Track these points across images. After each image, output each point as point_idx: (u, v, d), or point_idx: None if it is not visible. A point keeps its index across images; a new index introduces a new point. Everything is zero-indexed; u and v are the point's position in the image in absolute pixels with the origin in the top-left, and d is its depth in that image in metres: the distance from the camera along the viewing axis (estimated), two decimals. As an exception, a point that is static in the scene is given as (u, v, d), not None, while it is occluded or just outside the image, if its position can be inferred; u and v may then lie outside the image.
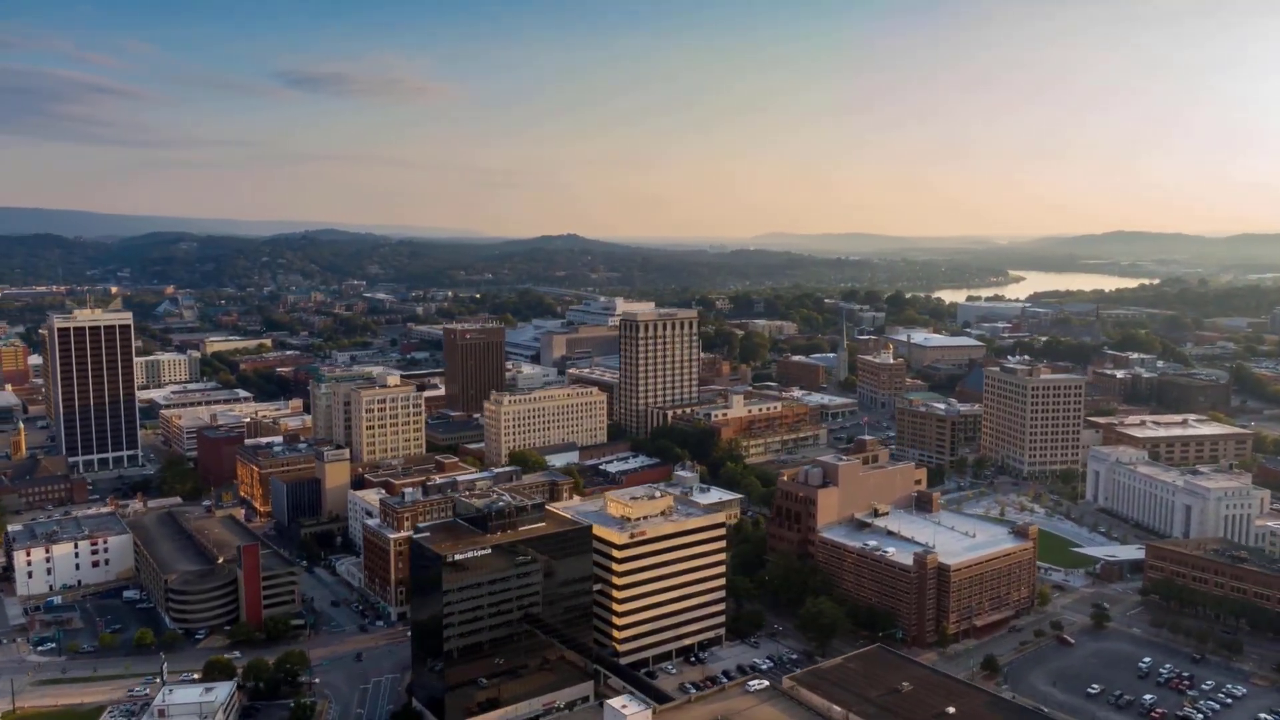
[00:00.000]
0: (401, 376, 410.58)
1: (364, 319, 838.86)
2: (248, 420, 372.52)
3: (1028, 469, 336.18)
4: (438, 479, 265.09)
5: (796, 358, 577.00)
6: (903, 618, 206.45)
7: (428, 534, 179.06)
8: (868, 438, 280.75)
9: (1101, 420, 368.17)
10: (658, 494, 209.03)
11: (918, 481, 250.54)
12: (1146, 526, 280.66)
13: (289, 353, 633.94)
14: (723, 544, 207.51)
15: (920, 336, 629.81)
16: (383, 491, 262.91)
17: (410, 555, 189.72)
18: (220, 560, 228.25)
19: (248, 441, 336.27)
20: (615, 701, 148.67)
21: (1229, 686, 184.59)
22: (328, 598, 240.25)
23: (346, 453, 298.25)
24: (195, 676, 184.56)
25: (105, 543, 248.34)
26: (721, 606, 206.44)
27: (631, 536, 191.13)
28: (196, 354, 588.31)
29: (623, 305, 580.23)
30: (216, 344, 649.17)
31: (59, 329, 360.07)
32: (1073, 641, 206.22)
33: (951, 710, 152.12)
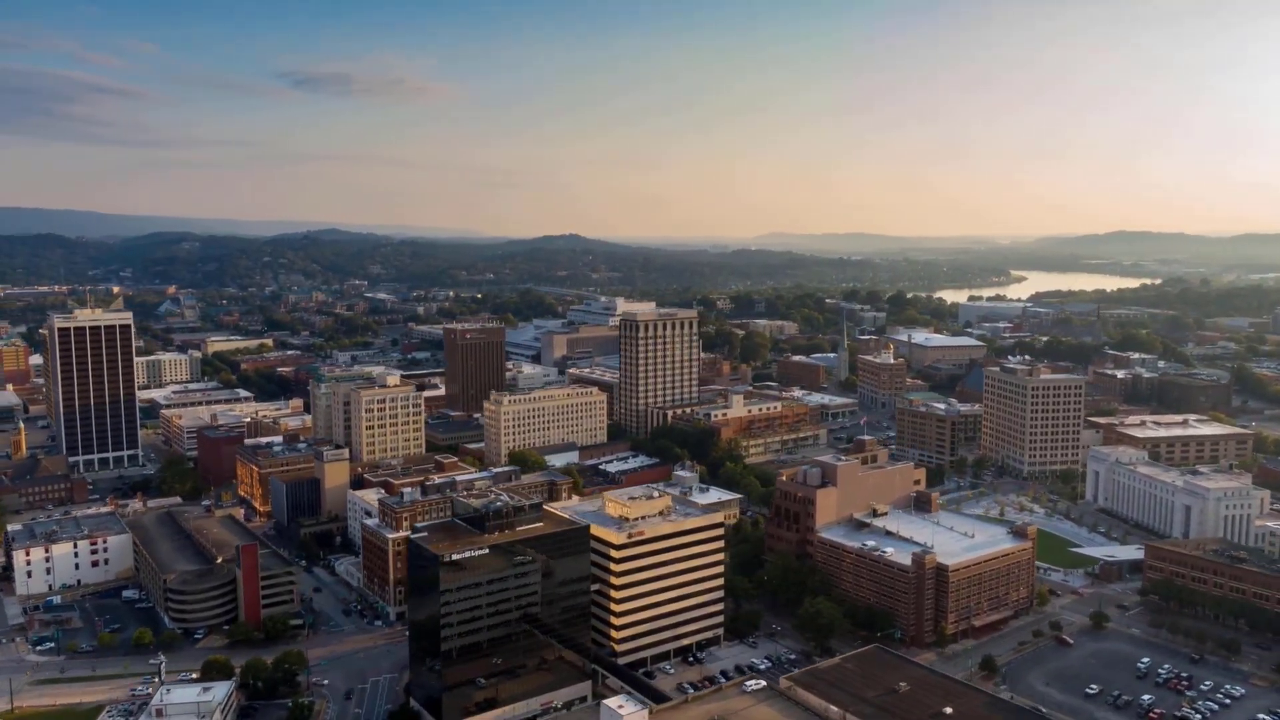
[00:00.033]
0: (402, 376, 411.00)
1: (365, 319, 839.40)
2: (248, 420, 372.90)
3: (1028, 469, 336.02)
4: (437, 479, 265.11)
5: (797, 358, 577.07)
6: (901, 618, 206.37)
7: (425, 534, 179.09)
8: (867, 438, 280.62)
9: (1102, 420, 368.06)
10: (656, 494, 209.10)
11: (917, 482, 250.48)
12: (1146, 527, 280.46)
13: (290, 352, 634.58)
14: (721, 544, 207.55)
15: (921, 336, 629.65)
16: (382, 491, 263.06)
17: (408, 555, 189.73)
18: (219, 560, 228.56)
19: (248, 441, 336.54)
20: (612, 701, 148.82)
21: (1228, 687, 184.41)
22: (327, 597, 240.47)
23: (346, 452, 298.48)
24: (193, 676, 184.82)
25: (104, 542, 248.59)
26: (720, 606, 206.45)
27: (629, 536, 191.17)
28: (198, 354, 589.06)
29: (623, 305, 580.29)
30: (218, 344, 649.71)
31: (59, 329, 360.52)
32: (1071, 642, 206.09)
33: (949, 710, 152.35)
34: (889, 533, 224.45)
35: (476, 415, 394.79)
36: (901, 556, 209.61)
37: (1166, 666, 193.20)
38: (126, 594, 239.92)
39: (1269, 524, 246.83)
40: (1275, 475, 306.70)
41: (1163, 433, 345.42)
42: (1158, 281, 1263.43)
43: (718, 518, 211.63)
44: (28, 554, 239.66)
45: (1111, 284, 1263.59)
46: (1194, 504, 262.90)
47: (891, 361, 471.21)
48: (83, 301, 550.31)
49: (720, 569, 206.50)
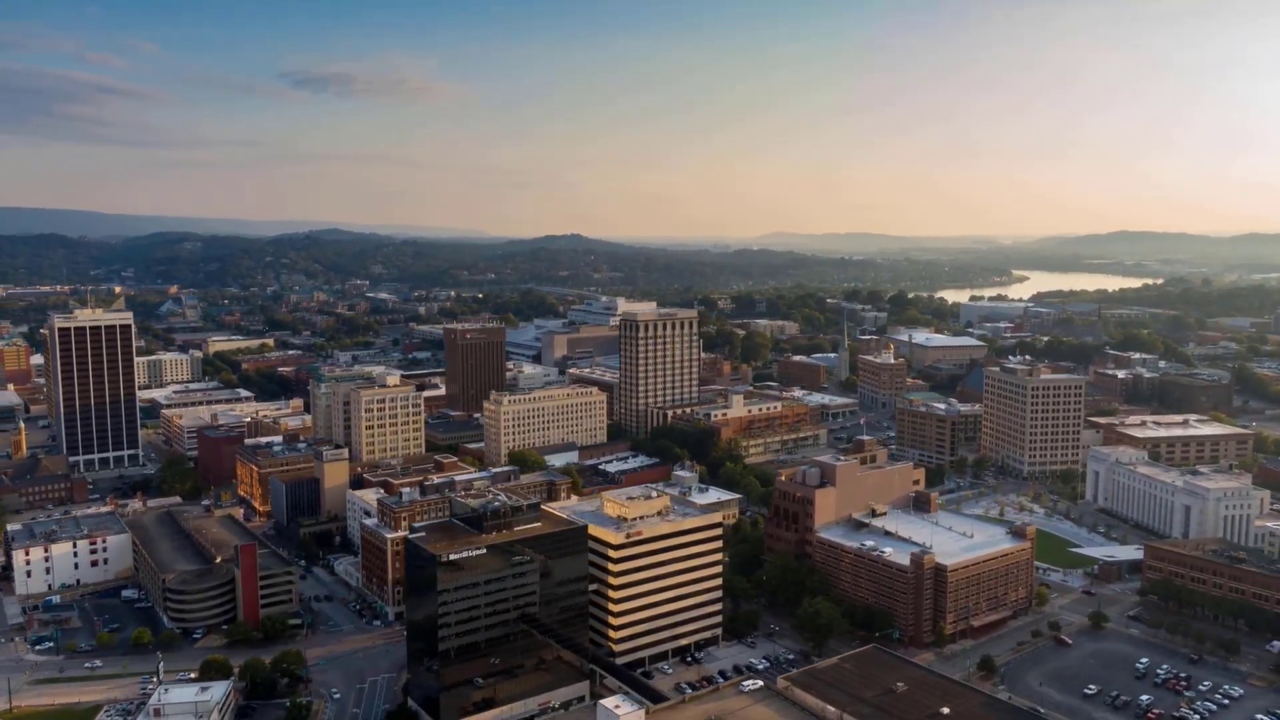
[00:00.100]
0: (402, 376, 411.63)
1: (366, 319, 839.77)
2: (248, 420, 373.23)
3: (1028, 469, 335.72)
4: (436, 479, 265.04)
5: (798, 358, 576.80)
6: (900, 618, 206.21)
7: (423, 534, 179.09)
8: (866, 438, 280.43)
9: (1102, 420, 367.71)
10: (654, 494, 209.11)
11: (916, 482, 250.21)
12: (1146, 527, 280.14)
13: (291, 352, 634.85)
14: (719, 544, 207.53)
15: (922, 336, 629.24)
16: (381, 491, 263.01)
17: (405, 555, 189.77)
18: (218, 560, 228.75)
19: (248, 441, 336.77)
20: (608, 701, 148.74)
21: (1226, 687, 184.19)
22: (326, 597, 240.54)
23: (345, 452, 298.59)
24: (192, 676, 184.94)
25: (104, 542, 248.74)
26: (718, 607, 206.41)
27: (627, 536, 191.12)
28: (199, 354, 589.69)
29: (624, 305, 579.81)
30: (219, 344, 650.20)
31: (60, 329, 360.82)
32: (1070, 642, 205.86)
33: (946, 711, 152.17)
34: (888, 533, 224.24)
35: (476, 415, 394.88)
36: (900, 557, 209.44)
37: (1165, 667, 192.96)
38: (126, 594, 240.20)
39: (1269, 524, 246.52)
40: (1275, 475, 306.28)
41: (1163, 433, 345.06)
42: (1159, 281, 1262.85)
43: (716, 518, 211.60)
44: (27, 554, 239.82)
45: (1113, 284, 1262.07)
46: (1194, 504, 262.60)
47: (892, 361, 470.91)
48: (84, 301, 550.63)
49: (718, 569, 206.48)
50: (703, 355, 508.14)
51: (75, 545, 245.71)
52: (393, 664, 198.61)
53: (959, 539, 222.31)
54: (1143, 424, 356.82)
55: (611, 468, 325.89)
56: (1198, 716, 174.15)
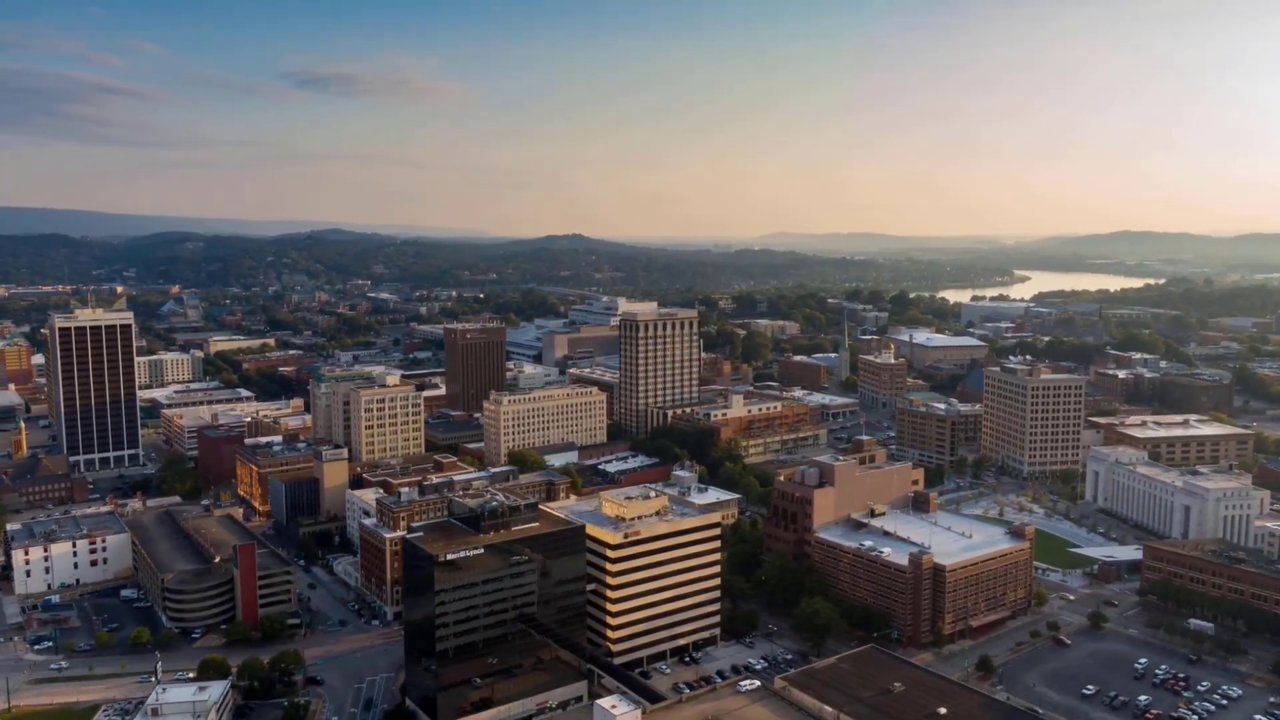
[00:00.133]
0: (403, 376, 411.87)
1: (367, 319, 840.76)
2: (249, 420, 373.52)
3: (1028, 469, 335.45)
4: (435, 479, 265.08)
5: (798, 358, 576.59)
6: (898, 618, 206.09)
7: (421, 534, 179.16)
8: (865, 438, 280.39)
9: (1102, 420, 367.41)
10: (653, 494, 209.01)
11: (915, 482, 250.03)
12: (1146, 527, 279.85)
13: (292, 352, 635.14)
14: (717, 544, 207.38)
15: (922, 336, 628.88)
16: (380, 491, 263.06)
17: (403, 555, 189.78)
18: (217, 559, 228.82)
19: (247, 441, 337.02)
20: (605, 701, 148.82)
21: (1225, 688, 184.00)
22: (325, 597, 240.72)
23: (345, 452, 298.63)
24: (190, 675, 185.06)
25: (103, 542, 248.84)
26: (716, 607, 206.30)
27: (625, 536, 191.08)
28: (200, 353, 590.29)
29: (625, 305, 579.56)
30: (220, 343, 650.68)
31: (60, 328, 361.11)
32: (1069, 642, 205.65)
33: (943, 711, 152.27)
34: (886, 533, 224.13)
35: (477, 415, 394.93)
36: (899, 557, 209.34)
37: (1164, 667, 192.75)
38: (125, 593, 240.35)
39: (1268, 524, 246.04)
40: (1276, 475, 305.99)
41: (1163, 433, 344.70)
42: (1161, 281, 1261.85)
43: (714, 518, 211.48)
44: (27, 553, 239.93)
45: (1115, 284, 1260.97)
46: (1193, 504, 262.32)
47: (892, 361, 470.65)
48: (85, 301, 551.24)
49: (716, 569, 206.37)
50: (703, 355, 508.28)
51: (75, 545, 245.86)
52: (391, 664, 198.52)
53: (958, 539, 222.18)
54: (1143, 424, 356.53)
55: (611, 468, 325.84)
56: (1196, 717, 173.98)
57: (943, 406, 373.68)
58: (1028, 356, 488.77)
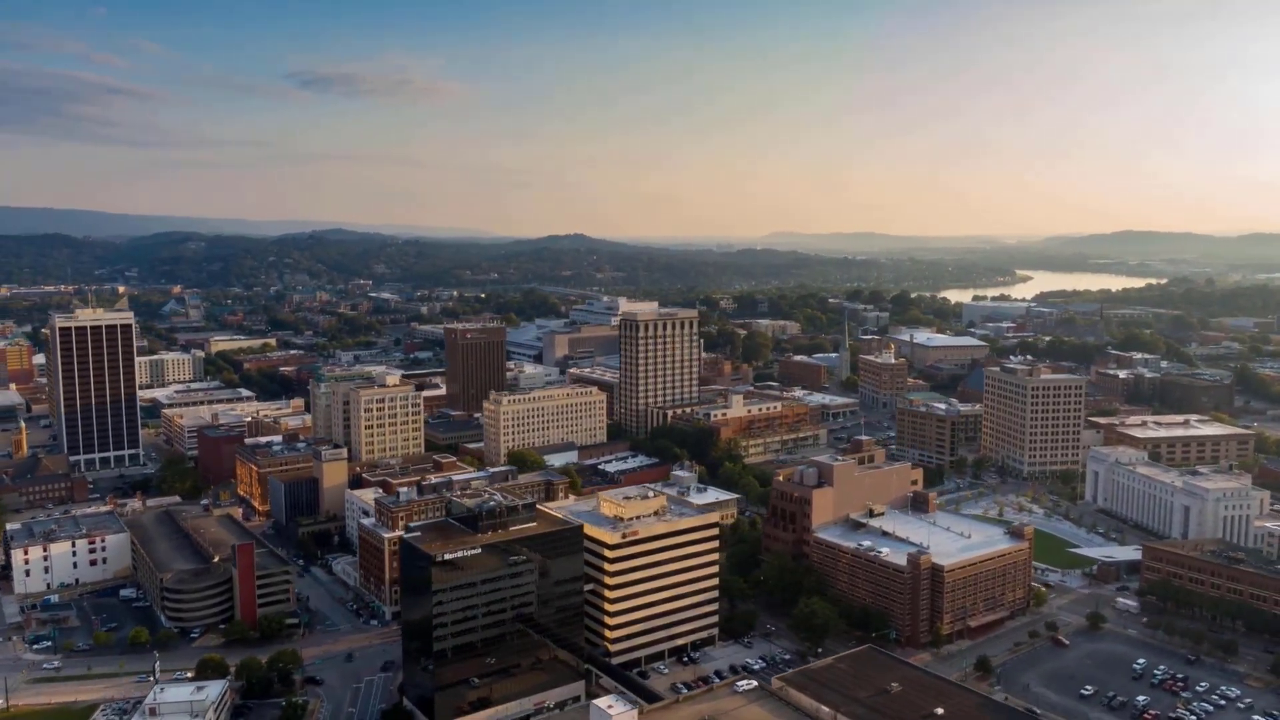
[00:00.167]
0: (403, 376, 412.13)
1: (368, 318, 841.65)
2: (249, 420, 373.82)
3: (1028, 469, 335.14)
4: (434, 479, 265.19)
5: (799, 357, 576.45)
6: (896, 618, 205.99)
7: (418, 534, 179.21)
8: (864, 438, 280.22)
9: (1103, 420, 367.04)
10: (651, 494, 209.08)
11: (914, 482, 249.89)
12: (1145, 527, 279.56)
13: (293, 352, 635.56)
14: (715, 544, 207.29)
15: (923, 336, 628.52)
16: (379, 491, 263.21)
17: (401, 555, 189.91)
18: (216, 559, 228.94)
19: (247, 441, 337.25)
20: (601, 701, 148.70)
21: (1223, 688, 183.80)
22: (324, 597, 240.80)
23: (344, 452, 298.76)
24: (188, 675, 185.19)
25: (103, 541, 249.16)
26: (714, 607, 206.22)
27: (623, 536, 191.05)
28: (201, 353, 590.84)
29: (626, 305, 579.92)
30: (221, 343, 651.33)
31: (60, 328, 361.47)
32: (1067, 643, 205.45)
33: (940, 711, 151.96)
34: (885, 533, 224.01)
35: (477, 415, 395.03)
36: (897, 557, 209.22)
37: (1162, 667, 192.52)
38: (124, 593, 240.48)
39: (1268, 525, 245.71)
40: (1276, 476, 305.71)
41: (1163, 433, 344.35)
42: (1163, 281, 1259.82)
43: (713, 518, 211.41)
44: (26, 553, 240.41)
45: (1117, 284, 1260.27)
46: (1193, 504, 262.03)
47: (893, 361, 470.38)
48: (87, 301, 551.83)
49: (715, 569, 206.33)
50: (704, 355, 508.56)
51: (74, 544, 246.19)
52: (389, 664, 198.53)
53: (956, 539, 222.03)
54: (1143, 424, 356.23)
55: (611, 467, 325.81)
56: (1194, 717, 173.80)
57: (943, 406, 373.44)
58: (1028, 356, 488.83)
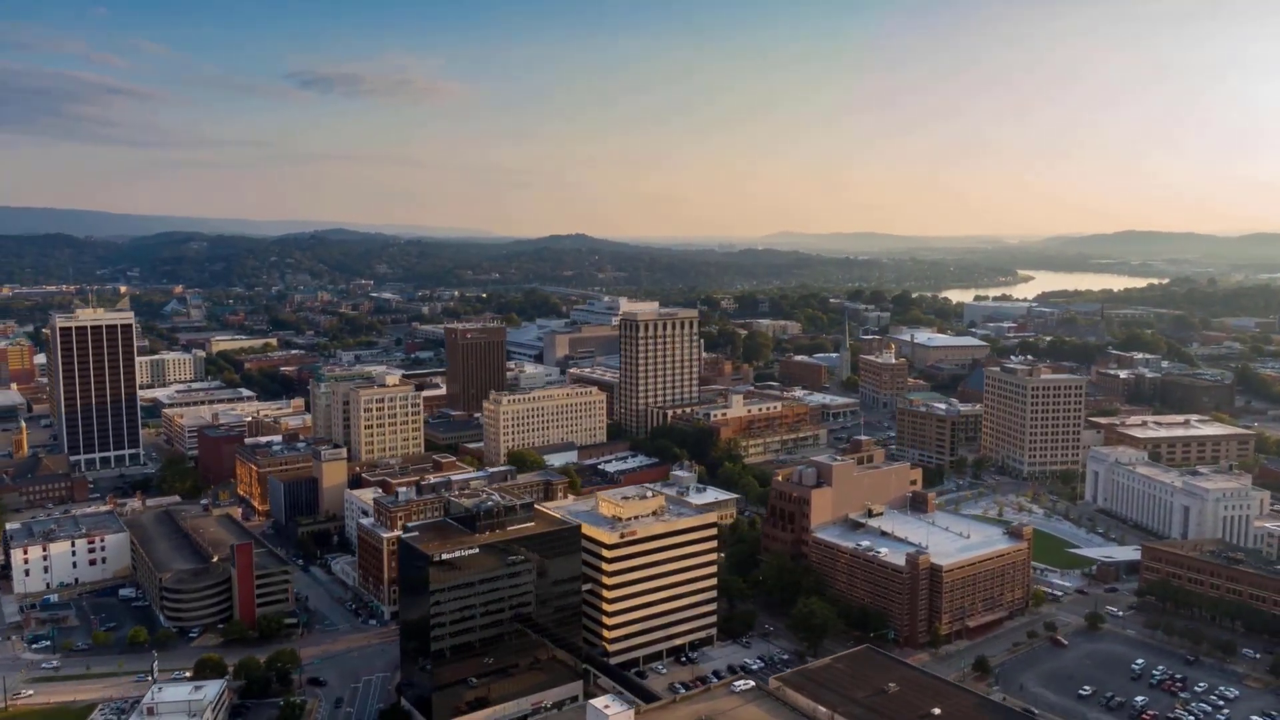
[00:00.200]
0: (404, 376, 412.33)
1: (370, 318, 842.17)
2: (249, 419, 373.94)
3: (1027, 469, 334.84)
4: (433, 478, 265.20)
5: (799, 357, 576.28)
6: (895, 618, 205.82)
7: (416, 533, 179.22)
8: (863, 438, 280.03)
9: (1103, 420, 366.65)
10: (649, 494, 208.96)
11: (913, 482, 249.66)
12: (1145, 527, 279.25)
13: (294, 352, 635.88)
14: (714, 544, 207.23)
15: (924, 336, 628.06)
16: (379, 491, 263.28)
17: (399, 555, 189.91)
18: (215, 559, 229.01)
19: (247, 440, 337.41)
20: (598, 701, 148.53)
21: (1222, 688, 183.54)
22: (323, 596, 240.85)
23: (344, 452, 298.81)
24: (186, 675, 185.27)
25: (102, 541, 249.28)
26: (713, 607, 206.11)
27: (622, 536, 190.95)
28: (202, 353, 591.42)
29: (626, 305, 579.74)
30: (222, 343, 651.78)
31: (61, 328, 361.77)
32: (1066, 643, 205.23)
33: (937, 711, 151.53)
34: (884, 533, 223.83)
35: (477, 415, 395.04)
36: (895, 557, 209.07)
37: (1161, 668, 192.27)
38: (123, 592, 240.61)
39: (1267, 525, 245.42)
40: (1276, 476, 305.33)
41: (1163, 433, 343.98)
42: (1165, 281, 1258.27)
43: (711, 518, 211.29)
44: (25, 552, 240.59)
45: (1119, 284, 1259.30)
46: (1192, 505, 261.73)
47: (893, 361, 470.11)
48: (88, 301, 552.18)
49: (713, 569, 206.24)
50: (705, 355, 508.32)
51: (74, 544, 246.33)
52: (388, 663, 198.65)
53: (955, 539, 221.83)
54: (1143, 424, 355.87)
55: (610, 467, 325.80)
56: (1192, 718, 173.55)
57: (943, 406, 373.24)
58: (1029, 356, 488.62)
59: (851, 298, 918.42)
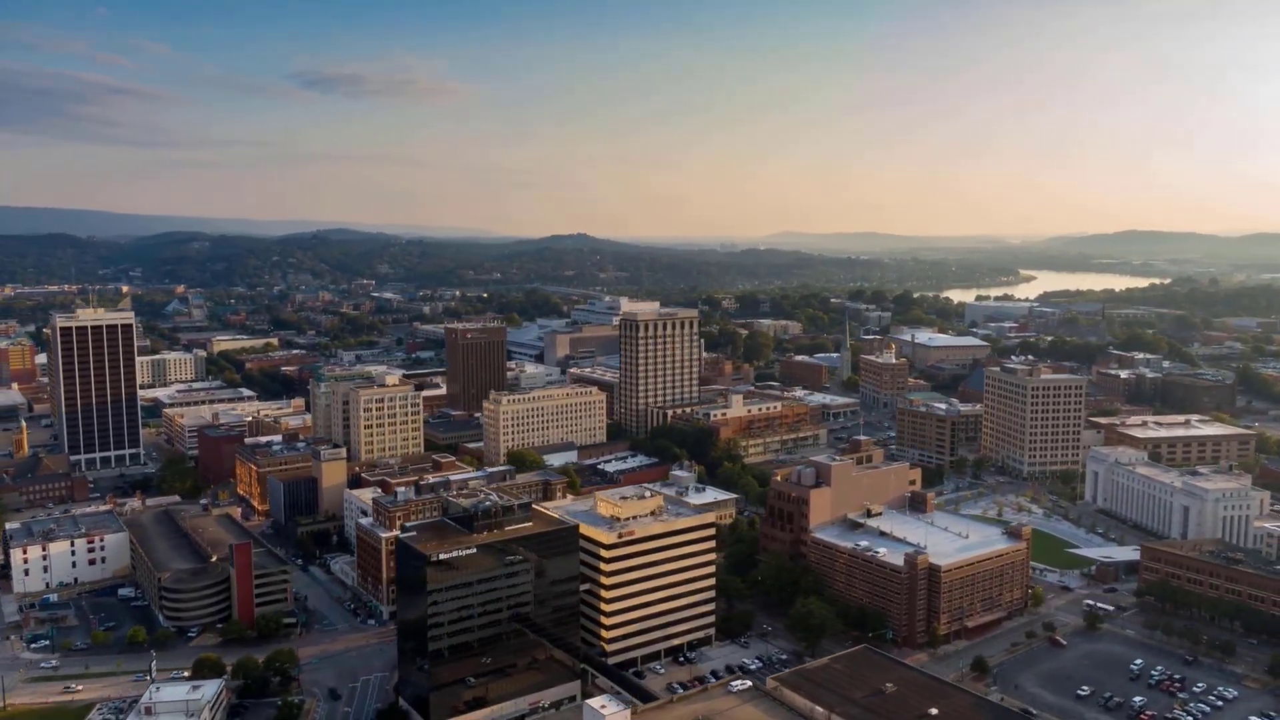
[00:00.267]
0: (405, 376, 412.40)
1: (371, 318, 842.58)
2: (249, 419, 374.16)
3: (1027, 469, 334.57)
4: (432, 478, 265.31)
5: (800, 357, 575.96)
6: (893, 618, 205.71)
7: (414, 533, 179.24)
8: (863, 438, 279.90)
9: (1103, 420, 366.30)
10: (648, 494, 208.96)
11: (912, 482, 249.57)
12: (1145, 528, 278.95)
13: (295, 352, 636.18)
14: (712, 544, 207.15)
15: (925, 336, 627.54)
16: (378, 491, 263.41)
17: (396, 554, 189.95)
18: (214, 559, 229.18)
19: (247, 440, 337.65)
20: (594, 701, 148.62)
21: (1220, 689, 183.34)
22: (322, 596, 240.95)
23: (343, 452, 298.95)
24: (185, 674, 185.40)
25: (102, 541, 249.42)
26: (711, 607, 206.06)
27: (620, 536, 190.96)
28: (203, 353, 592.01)
29: (627, 305, 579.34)
30: (223, 343, 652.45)
31: (61, 328, 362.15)
32: (1064, 643, 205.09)
33: (934, 711, 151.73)
34: (882, 533, 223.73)
35: (477, 415, 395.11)
36: (894, 557, 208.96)
37: (1159, 668, 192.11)
38: (122, 592, 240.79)
39: (1267, 525, 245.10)
40: (1277, 476, 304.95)
41: (1164, 433, 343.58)
42: (1166, 281, 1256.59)
43: (709, 518, 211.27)
44: (25, 552, 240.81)
45: (1120, 284, 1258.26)
46: (1192, 505, 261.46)
47: (894, 361, 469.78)
48: (89, 301, 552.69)
49: (711, 569, 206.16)
50: (705, 355, 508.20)
51: (73, 544, 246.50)
52: (386, 663, 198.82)
53: (954, 539, 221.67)
54: (1144, 424, 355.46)
55: (610, 467, 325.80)
56: (1191, 718, 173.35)
57: (943, 406, 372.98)
58: (1030, 356, 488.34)
59: (853, 298, 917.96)
